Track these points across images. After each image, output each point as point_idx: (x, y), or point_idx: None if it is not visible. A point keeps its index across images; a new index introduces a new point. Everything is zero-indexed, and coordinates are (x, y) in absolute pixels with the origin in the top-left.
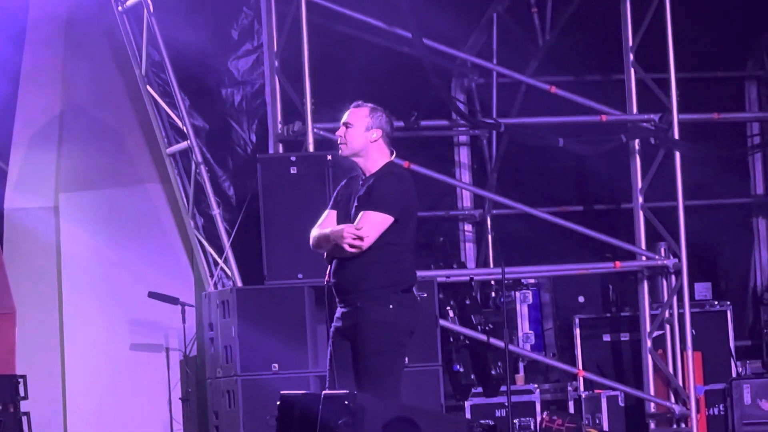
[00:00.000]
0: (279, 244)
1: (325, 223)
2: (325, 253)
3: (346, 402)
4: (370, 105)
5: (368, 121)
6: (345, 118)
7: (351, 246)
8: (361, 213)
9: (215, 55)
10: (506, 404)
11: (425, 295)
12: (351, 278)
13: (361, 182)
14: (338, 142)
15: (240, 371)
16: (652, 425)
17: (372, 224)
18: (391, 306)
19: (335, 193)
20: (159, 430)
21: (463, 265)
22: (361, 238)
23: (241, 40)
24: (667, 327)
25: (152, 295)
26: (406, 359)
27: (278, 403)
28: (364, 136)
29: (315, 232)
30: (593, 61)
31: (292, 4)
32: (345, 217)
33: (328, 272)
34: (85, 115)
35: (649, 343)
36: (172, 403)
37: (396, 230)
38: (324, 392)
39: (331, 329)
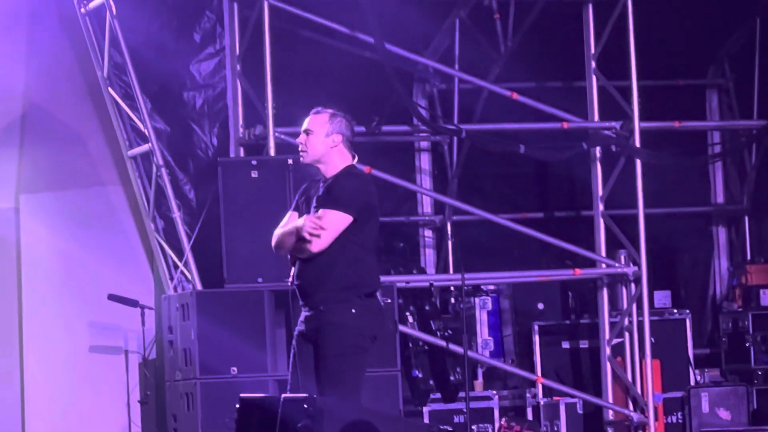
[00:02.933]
0: (239, 248)
1: (287, 224)
2: (289, 255)
3: (306, 405)
4: (329, 111)
5: (328, 127)
6: (305, 125)
7: (310, 235)
8: (320, 211)
9: (177, 58)
10: (465, 410)
11: (389, 300)
12: (313, 280)
13: (321, 184)
14: (299, 149)
15: (199, 374)
16: None
17: (329, 221)
18: (353, 310)
19: (297, 195)
20: None
21: (422, 271)
22: (321, 228)
23: (204, 43)
24: (626, 335)
25: (112, 297)
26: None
27: (237, 405)
28: (324, 143)
29: (278, 231)
30: (555, 68)
31: (254, 7)
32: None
33: (291, 275)
34: (47, 116)
35: (608, 351)
36: (131, 406)
37: (356, 229)
38: (284, 395)
39: (295, 332)
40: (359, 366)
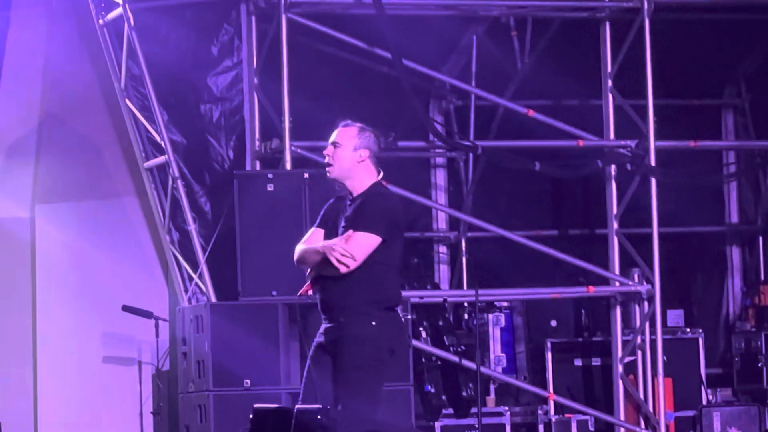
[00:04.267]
0: (254, 261)
1: (311, 240)
2: (309, 270)
3: (318, 416)
4: (358, 125)
5: (356, 141)
6: (333, 137)
7: (338, 262)
8: (349, 233)
9: (194, 71)
10: (477, 426)
11: (410, 316)
12: (336, 296)
13: (348, 202)
14: (325, 161)
15: (212, 386)
16: None
17: (360, 245)
18: (374, 323)
19: (322, 212)
20: None
21: (436, 287)
22: (351, 257)
23: (221, 56)
24: (639, 353)
25: (126, 308)
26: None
27: (251, 416)
28: (351, 157)
29: (301, 247)
30: (571, 86)
31: (272, 21)
32: (331, 237)
33: (306, 287)
34: (64, 127)
35: (620, 369)
36: (144, 417)
37: (383, 250)
38: (297, 406)
39: (313, 344)
40: (377, 378)
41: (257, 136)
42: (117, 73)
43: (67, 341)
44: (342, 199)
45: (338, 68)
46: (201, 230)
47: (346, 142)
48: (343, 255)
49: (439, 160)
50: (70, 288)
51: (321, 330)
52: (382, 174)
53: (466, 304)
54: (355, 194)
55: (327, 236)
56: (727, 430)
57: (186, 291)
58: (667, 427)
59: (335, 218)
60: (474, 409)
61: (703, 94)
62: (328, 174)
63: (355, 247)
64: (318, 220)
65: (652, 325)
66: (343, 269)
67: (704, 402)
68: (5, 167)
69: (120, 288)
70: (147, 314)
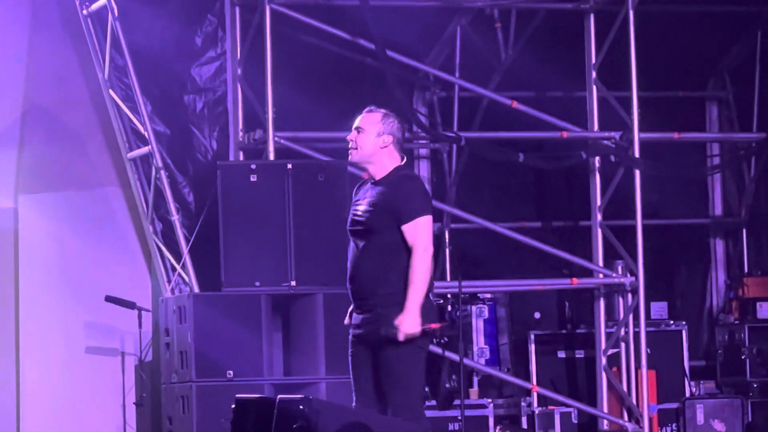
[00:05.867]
0: (237, 252)
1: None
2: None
3: (301, 406)
4: (382, 111)
5: (380, 126)
6: (357, 122)
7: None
8: (405, 227)
9: (178, 61)
10: (459, 418)
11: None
12: (369, 284)
13: (370, 187)
14: (349, 146)
15: (195, 377)
16: None
17: (421, 231)
18: None
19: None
20: None
21: None
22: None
23: (205, 47)
24: (623, 345)
25: (109, 299)
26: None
27: (233, 406)
28: (375, 142)
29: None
30: (555, 78)
31: (256, 12)
32: (351, 219)
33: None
34: (47, 117)
35: (603, 361)
36: (126, 408)
37: None
38: (279, 396)
39: (350, 337)
40: (419, 365)
41: (240, 126)
42: (101, 63)
43: (50, 331)
44: (364, 183)
45: (322, 59)
46: (184, 221)
47: (370, 127)
48: (426, 251)
49: (423, 151)
50: (53, 278)
51: (356, 321)
52: (405, 160)
53: (449, 296)
54: (377, 178)
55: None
56: (711, 422)
57: (169, 281)
58: (650, 419)
59: (354, 201)
60: (457, 401)
61: (687, 86)
62: (350, 157)
63: (424, 236)
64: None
65: (636, 318)
66: (426, 255)
67: (687, 394)
68: None
69: (103, 278)
70: (130, 305)
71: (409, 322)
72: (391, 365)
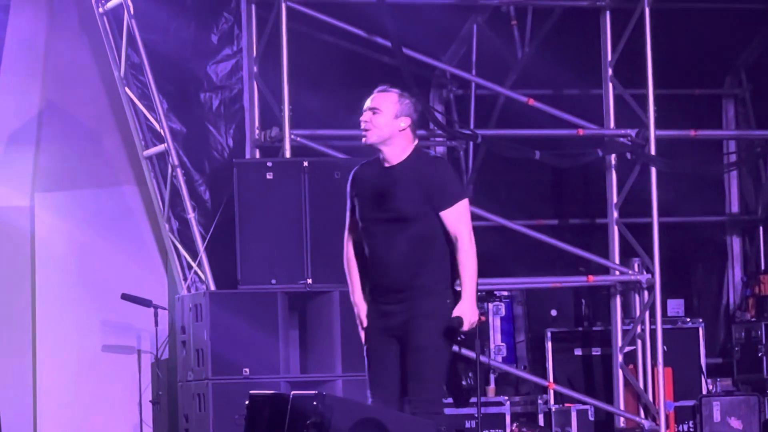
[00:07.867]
0: (253, 249)
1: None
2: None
3: (315, 402)
4: (397, 90)
5: (398, 107)
6: (369, 103)
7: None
8: (445, 213)
9: (194, 59)
10: (476, 415)
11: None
12: (407, 276)
13: (382, 169)
14: (362, 127)
15: (211, 375)
16: None
17: (461, 215)
18: (448, 301)
19: (348, 188)
20: None
21: None
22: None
23: (221, 44)
24: (639, 342)
25: (125, 297)
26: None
27: (247, 402)
28: (393, 124)
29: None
30: (571, 75)
31: (272, 10)
32: (373, 206)
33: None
34: (64, 115)
35: (620, 358)
36: (143, 406)
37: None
38: (293, 392)
39: (374, 328)
40: (448, 360)
41: (257, 124)
42: (117, 61)
43: (66, 330)
44: (370, 164)
45: (338, 57)
46: (200, 219)
47: (387, 107)
48: (471, 236)
49: (439, 149)
50: (70, 277)
51: (383, 313)
52: (417, 141)
53: None
54: (393, 162)
55: (365, 205)
56: (727, 419)
57: (185, 279)
58: (667, 416)
59: (366, 186)
60: (474, 399)
61: (704, 84)
62: (363, 140)
63: (466, 221)
64: (348, 204)
65: (652, 315)
66: (469, 241)
67: (704, 392)
68: (5, 156)
69: (119, 276)
70: (146, 303)
71: (470, 312)
72: (422, 355)
